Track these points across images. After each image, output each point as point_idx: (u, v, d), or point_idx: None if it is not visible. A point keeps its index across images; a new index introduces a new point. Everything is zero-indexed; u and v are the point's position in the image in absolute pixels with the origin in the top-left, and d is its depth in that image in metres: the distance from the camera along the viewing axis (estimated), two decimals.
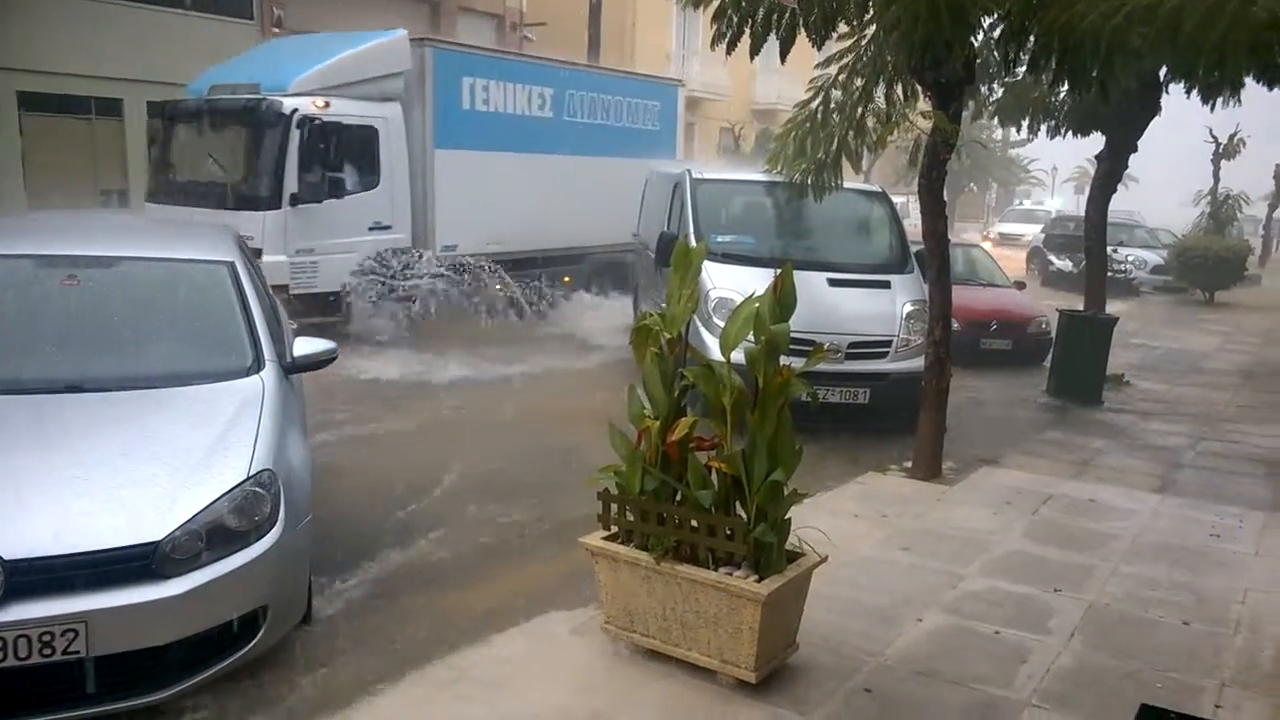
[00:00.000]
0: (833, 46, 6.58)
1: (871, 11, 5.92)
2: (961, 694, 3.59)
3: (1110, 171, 10.16)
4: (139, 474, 3.38)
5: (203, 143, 10.19)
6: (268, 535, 3.43)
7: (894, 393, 7.35)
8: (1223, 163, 22.90)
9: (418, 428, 7.35)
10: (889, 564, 4.87)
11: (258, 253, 7.82)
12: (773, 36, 6.22)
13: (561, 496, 5.58)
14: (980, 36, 6.37)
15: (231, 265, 4.61)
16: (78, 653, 3.00)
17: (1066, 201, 45.36)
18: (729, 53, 6.46)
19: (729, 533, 3.49)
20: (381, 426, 7.22)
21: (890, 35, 5.57)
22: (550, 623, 4.07)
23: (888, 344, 7.58)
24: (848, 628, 4.06)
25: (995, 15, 5.71)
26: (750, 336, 3.54)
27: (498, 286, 10.86)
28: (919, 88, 6.40)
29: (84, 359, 4.08)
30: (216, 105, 9.97)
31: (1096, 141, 10.19)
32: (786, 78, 24.21)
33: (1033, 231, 29.42)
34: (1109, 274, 11.27)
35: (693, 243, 4.94)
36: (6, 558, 2.98)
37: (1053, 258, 20.62)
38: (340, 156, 9.69)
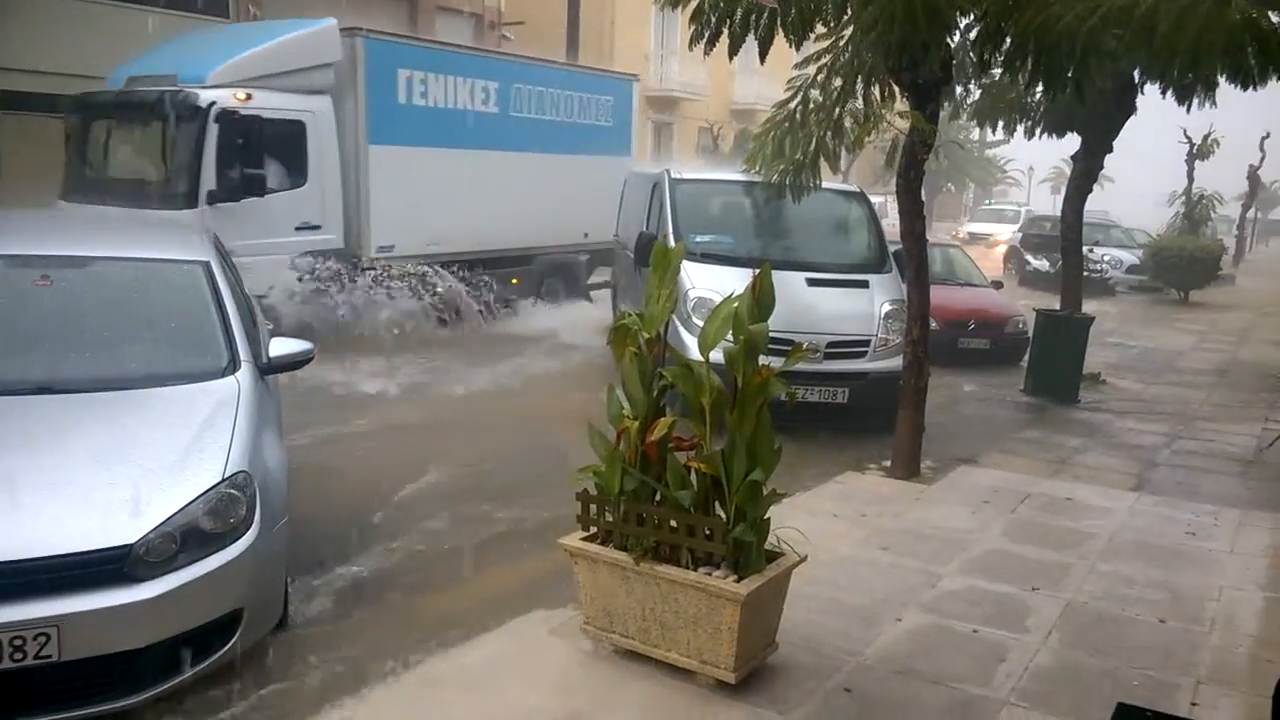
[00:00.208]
0: (811, 47, 6.60)
1: (849, 12, 5.94)
2: (940, 693, 3.60)
3: (1086, 172, 10.25)
4: (112, 476, 3.34)
5: (118, 137, 9.72)
6: (243, 538, 3.40)
7: (872, 392, 7.38)
8: (1197, 163, 23.18)
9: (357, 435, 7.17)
10: (868, 563, 4.88)
11: None
12: (751, 36, 6.23)
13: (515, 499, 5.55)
14: (957, 37, 6.40)
15: (207, 265, 4.56)
16: (50, 657, 2.96)
17: (1042, 201, 45.76)
18: (707, 52, 6.47)
19: (708, 533, 3.48)
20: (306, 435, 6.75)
21: (867, 36, 5.60)
22: (529, 623, 4.05)
23: (866, 343, 7.61)
24: (827, 627, 4.06)
25: (971, 16, 5.75)
26: (729, 336, 3.53)
27: (439, 290, 10.40)
28: (896, 88, 6.44)
29: (57, 360, 4.03)
30: (132, 98, 9.37)
31: (1073, 142, 10.28)
32: (765, 78, 24.26)
33: (1003, 231, 29.41)
34: (1085, 274, 11.37)
35: (671, 243, 4.91)
36: None
37: (1029, 257, 20.80)
38: (263, 152, 9.10)
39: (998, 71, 6.54)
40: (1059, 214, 12.18)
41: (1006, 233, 28.81)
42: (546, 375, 9.43)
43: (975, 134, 33.18)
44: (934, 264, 9.21)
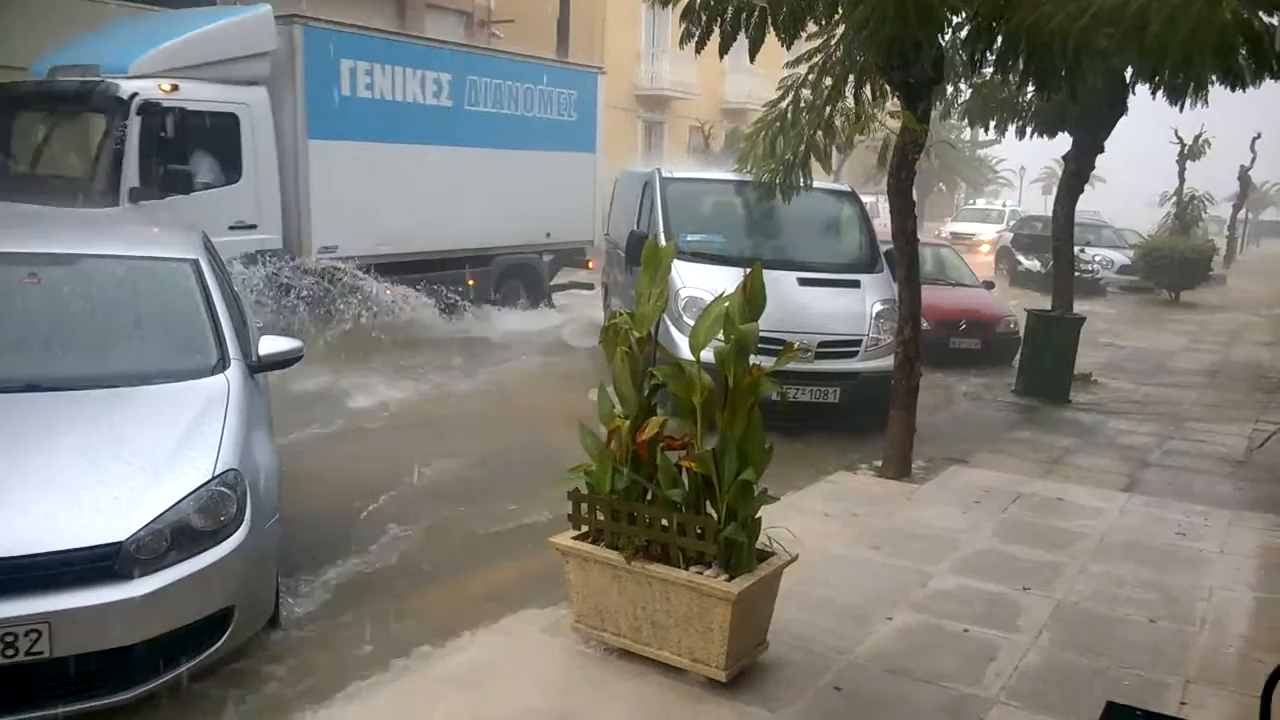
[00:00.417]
0: (802, 46, 6.59)
1: (840, 11, 5.93)
2: (931, 692, 3.60)
3: (1077, 172, 10.27)
4: (102, 474, 3.34)
5: (39, 131, 9.16)
6: (234, 535, 3.40)
7: (864, 392, 7.39)
8: (1188, 164, 23.28)
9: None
10: (859, 563, 4.88)
11: None
12: (742, 35, 6.21)
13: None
14: (948, 36, 6.40)
15: (195, 263, 4.55)
16: (41, 653, 2.96)
17: (1034, 202, 45.90)
18: (698, 51, 6.45)
19: (699, 532, 3.48)
20: None
21: (859, 34, 5.59)
22: (521, 622, 4.04)
23: (857, 343, 7.62)
24: (818, 626, 4.06)
25: (963, 15, 5.75)
26: (720, 336, 3.53)
27: (386, 291, 9.84)
28: (888, 87, 6.44)
29: (46, 358, 4.02)
30: (52, 89, 8.77)
31: (1064, 142, 10.31)
32: (757, 77, 24.30)
33: (987, 231, 28.97)
34: (1076, 274, 11.40)
35: (663, 242, 4.91)
36: None
37: (1021, 257, 20.85)
38: (191, 147, 8.58)
39: (989, 71, 6.54)
40: (1050, 214, 12.22)
41: (990, 233, 28.42)
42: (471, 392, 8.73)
43: (967, 134, 33.10)
44: (925, 264, 9.21)
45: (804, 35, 6.42)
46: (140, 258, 4.62)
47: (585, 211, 12.94)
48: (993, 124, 10.40)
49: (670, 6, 6.42)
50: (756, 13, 6.07)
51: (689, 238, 8.10)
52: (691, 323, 3.93)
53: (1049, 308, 10.24)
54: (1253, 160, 29.21)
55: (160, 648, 3.20)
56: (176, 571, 3.20)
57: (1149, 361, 12.47)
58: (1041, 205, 38.82)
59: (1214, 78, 5.59)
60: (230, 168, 8.98)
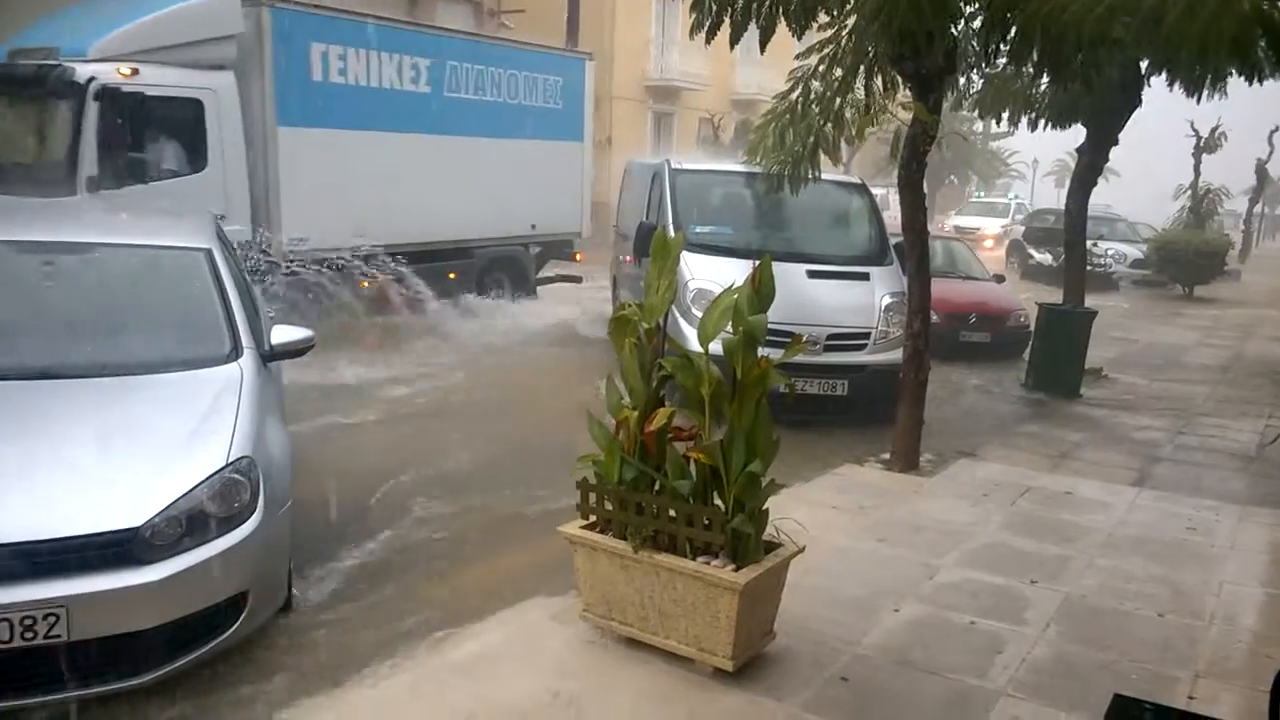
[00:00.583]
0: (813, 37, 6.56)
1: (852, 1, 5.90)
2: (937, 683, 3.61)
3: (1091, 165, 10.20)
4: (118, 460, 3.39)
5: None
6: (247, 522, 3.44)
7: (872, 384, 7.38)
8: (1204, 157, 23.10)
9: None
10: (866, 555, 4.89)
11: None
12: (753, 26, 6.19)
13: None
14: (961, 26, 6.36)
15: (209, 253, 4.58)
16: (59, 637, 3.01)
17: (1047, 195, 45.55)
18: (708, 42, 6.43)
19: (707, 522, 3.49)
20: None
21: (870, 25, 5.56)
22: (530, 610, 4.07)
23: (866, 336, 7.61)
24: (825, 617, 4.07)
25: (976, 4, 5.72)
26: (729, 327, 3.53)
27: (364, 284, 9.48)
28: (899, 78, 6.41)
29: (62, 345, 4.06)
30: (11, 73, 8.36)
31: (1078, 134, 10.24)
32: (767, 68, 24.15)
33: (992, 225, 28.29)
34: (1088, 268, 11.33)
35: (671, 233, 4.89)
36: None
37: (1032, 251, 20.75)
38: (153, 134, 8.21)
39: (1002, 62, 6.51)
40: (1062, 207, 12.14)
41: (995, 227, 27.93)
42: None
43: (979, 126, 32.74)
44: (935, 257, 9.19)
45: (815, 26, 6.41)
46: (154, 246, 4.65)
47: (573, 202, 12.62)
48: (1005, 115, 10.35)
49: None
50: (767, 3, 6.05)
51: (698, 229, 8.10)
52: (700, 314, 3.94)
53: (1060, 301, 10.20)
54: (1270, 154, 28.91)
55: (175, 632, 3.25)
56: (191, 557, 3.24)
57: (1161, 356, 12.41)
58: (1054, 198, 38.47)
59: (1232, 69, 5.55)
60: (195, 156, 8.61)
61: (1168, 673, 3.79)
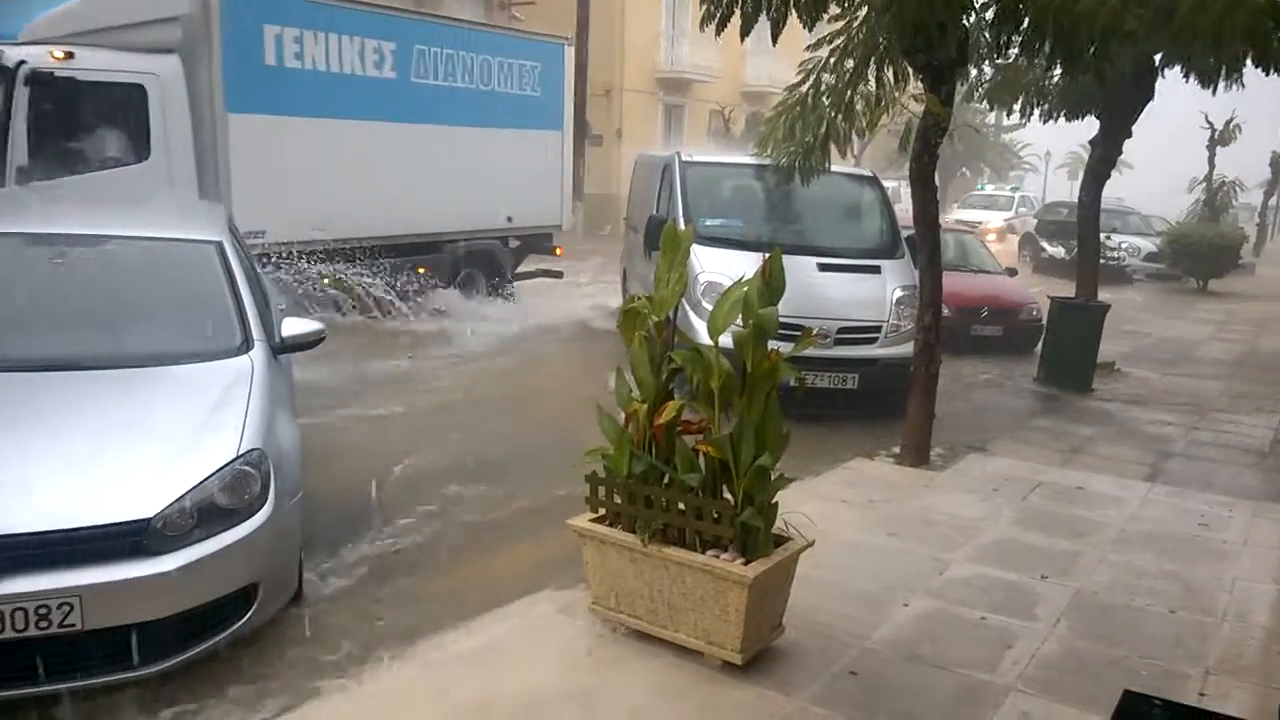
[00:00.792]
0: (824, 28, 6.53)
1: None
2: (946, 678, 3.60)
3: (1104, 157, 10.13)
4: (130, 452, 3.41)
5: None
6: (258, 513, 3.46)
7: (883, 378, 7.36)
8: (1218, 149, 22.90)
9: None
10: (876, 549, 4.88)
11: None
12: (764, 17, 6.16)
13: None
14: (973, 18, 6.32)
15: (219, 245, 4.60)
16: (73, 626, 3.03)
17: (1059, 188, 45.24)
18: (719, 33, 6.39)
19: (716, 516, 3.49)
20: None
21: (882, 16, 5.53)
22: (539, 603, 4.08)
23: (877, 329, 7.58)
24: (834, 611, 4.06)
25: None
26: (739, 320, 3.52)
27: (325, 281, 9.03)
28: (910, 70, 6.37)
29: (74, 338, 4.09)
30: None
31: (1091, 126, 10.17)
32: (778, 60, 24.07)
33: (994, 219, 27.68)
34: (1102, 261, 11.26)
35: (681, 226, 4.91)
36: (2, 533, 3.01)
37: (1045, 244, 20.62)
38: (91, 122, 7.80)
39: (1014, 53, 6.46)
40: (1074, 200, 12.07)
41: (997, 220, 27.39)
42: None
43: (991, 118, 32.35)
44: (947, 250, 9.14)
45: (826, 17, 6.37)
46: (165, 239, 4.67)
47: (552, 194, 12.09)
48: (1016, 107, 10.28)
49: None
50: None
51: (708, 222, 8.08)
52: (710, 307, 3.93)
53: (1073, 295, 10.14)
54: None
55: (187, 622, 3.27)
56: (203, 548, 3.26)
57: (1174, 351, 12.33)
58: (1067, 191, 38.23)
59: (1247, 61, 5.50)
60: (138, 145, 8.13)
61: (1179, 669, 3.77)
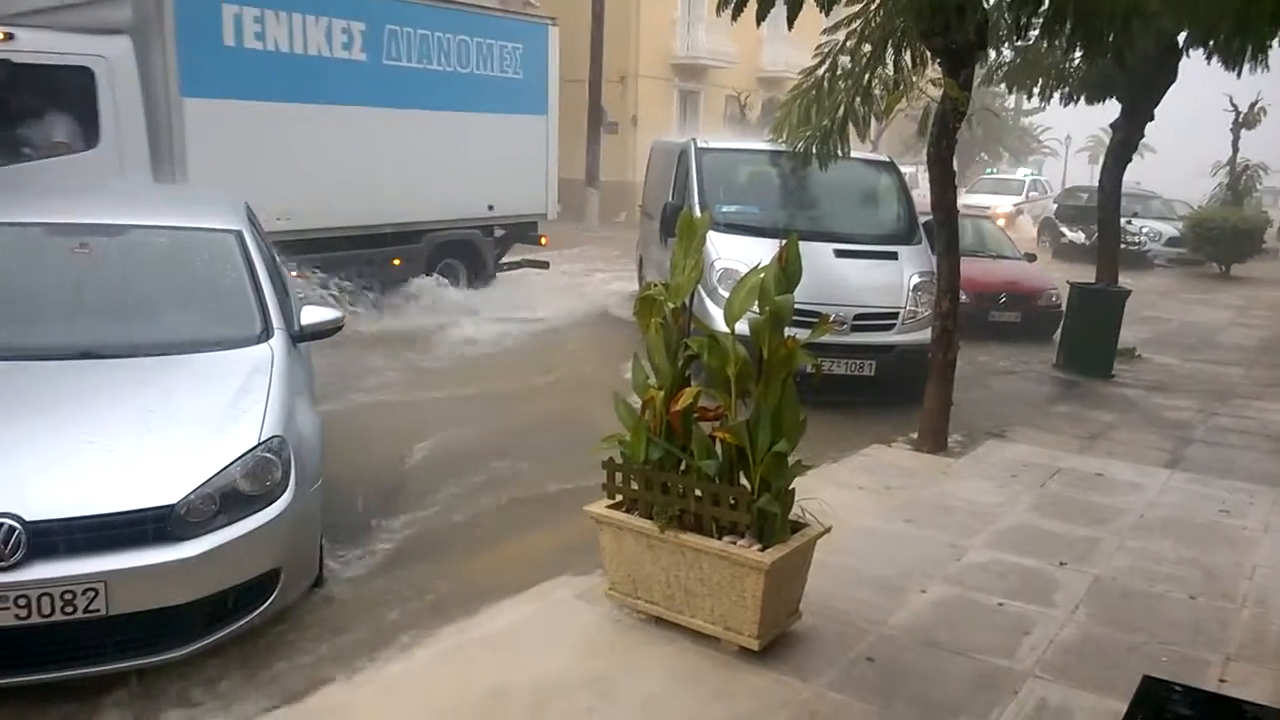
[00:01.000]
0: (841, 12, 6.47)
1: None
2: (964, 664, 3.60)
3: (1125, 140, 10.01)
4: (153, 439, 3.44)
5: None
6: (279, 499, 3.49)
7: (900, 365, 7.34)
8: (1242, 132, 22.56)
9: None
10: (893, 535, 4.87)
11: None
12: (780, 1, 6.11)
13: None
14: (992, 0, 6.25)
15: (239, 234, 4.64)
16: (98, 611, 3.08)
17: (1079, 172, 44.69)
18: (735, 18, 6.35)
19: (733, 502, 3.50)
20: None
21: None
22: (556, 588, 4.10)
23: (894, 316, 7.55)
24: (851, 597, 4.07)
25: None
26: (755, 307, 3.52)
27: (292, 274, 8.47)
28: (928, 54, 6.31)
29: (97, 326, 4.14)
30: None
31: (1112, 109, 10.04)
32: (794, 45, 23.86)
33: (1004, 204, 27.22)
34: (1122, 246, 11.14)
35: (697, 213, 4.89)
36: (29, 519, 3.05)
37: (1064, 229, 20.42)
38: (34, 107, 7.44)
39: (1034, 35, 6.38)
40: (1095, 184, 11.94)
41: (1007, 205, 26.88)
42: None
43: (1010, 102, 31.82)
44: (965, 235, 9.08)
45: (843, 1, 6.31)
46: (186, 228, 4.71)
47: (536, 181, 11.56)
48: (1036, 90, 10.17)
49: None
50: None
51: (724, 209, 8.05)
52: (726, 294, 3.92)
53: (1093, 280, 10.05)
54: None
55: (210, 608, 3.32)
56: (225, 534, 3.30)
57: (1196, 336, 12.20)
58: (1088, 175, 37.74)
59: (1274, 42, 5.41)
60: (86, 131, 7.70)
61: (1198, 656, 3.76)
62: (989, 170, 33.70)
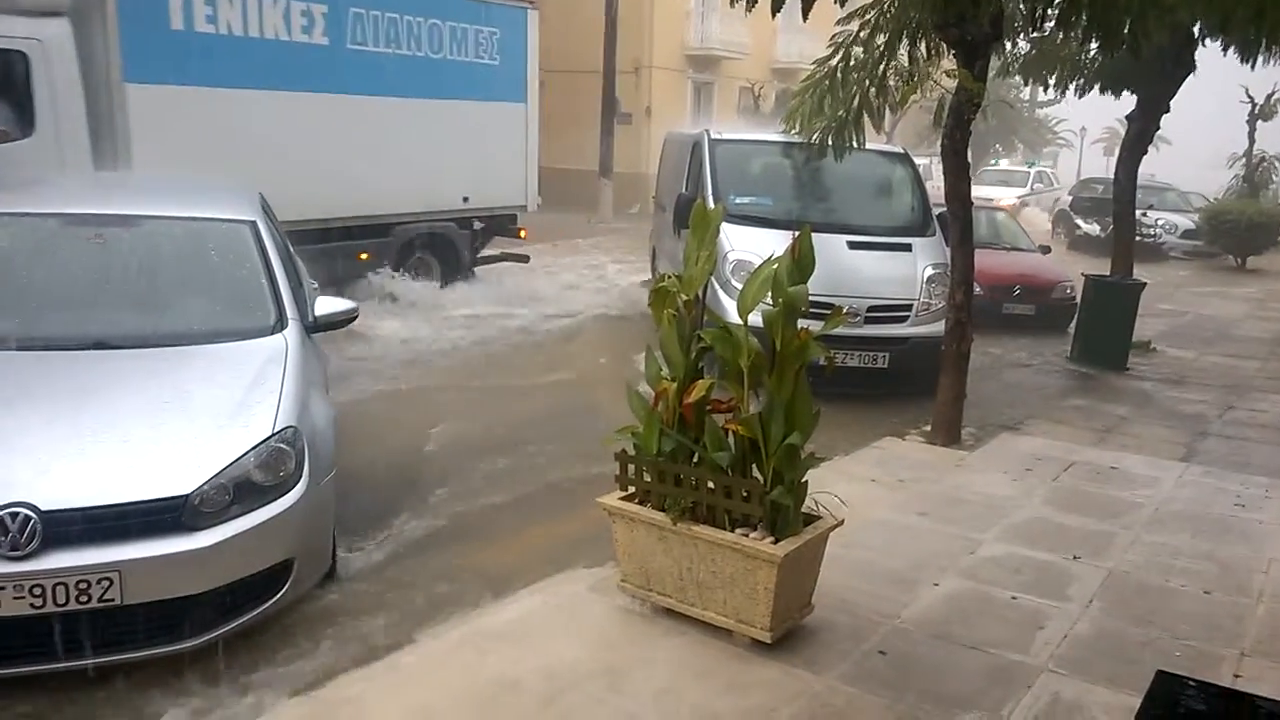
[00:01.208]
0: (856, 2, 6.44)
1: None
2: (977, 658, 3.59)
3: (1141, 132, 9.93)
4: (168, 429, 3.47)
5: None
6: (293, 490, 3.51)
7: (913, 357, 7.31)
8: (1259, 124, 22.34)
9: None
10: (906, 528, 4.86)
11: None
12: None
13: None
14: None
15: (254, 225, 4.65)
16: (113, 600, 3.10)
17: (1094, 163, 44.31)
18: (749, 9, 6.33)
19: (745, 495, 3.49)
20: None
21: None
22: (569, 580, 4.11)
23: (908, 308, 7.52)
24: (863, 590, 4.06)
25: None
26: (768, 299, 3.51)
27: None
28: (943, 45, 6.27)
29: (112, 316, 4.16)
30: None
31: (1128, 101, 9.96)
32: (809, 36, 23.71)
33: (1007, 196, 26.84)
34: (1137, 238, 11.06)
35: (711, 204, 4.89)
36: (44, 509, 3.07)
37: (1079, 221, 20.28)
38: None
39: (1050, 25, 6.33)
40: (1110, 176, 11.85)
41: (1010, 197, 26.56)
42: None
43: (1025, 93, 31.47)
44: (979, 227, 9.02)
45: None
46: (200, 219, 4.73)
47: (514, 172, 11.11)
48: (1051, 82, 10.09)
49: None
50: None
51: (737, 200, 8.03)
52: (739, 286, 3.91)
53: (1108, 273, 9.98)
54: None
55: (223, 598, 3.34)
56: (239, 524, 3.32)
57: (1211, 329, 12.11)
58: (1103, 167, 37.38)
59: None
60: (21, 119, 7.30)
61: (1213, 651, 3.73)
62: (993, 161, 33.19)
